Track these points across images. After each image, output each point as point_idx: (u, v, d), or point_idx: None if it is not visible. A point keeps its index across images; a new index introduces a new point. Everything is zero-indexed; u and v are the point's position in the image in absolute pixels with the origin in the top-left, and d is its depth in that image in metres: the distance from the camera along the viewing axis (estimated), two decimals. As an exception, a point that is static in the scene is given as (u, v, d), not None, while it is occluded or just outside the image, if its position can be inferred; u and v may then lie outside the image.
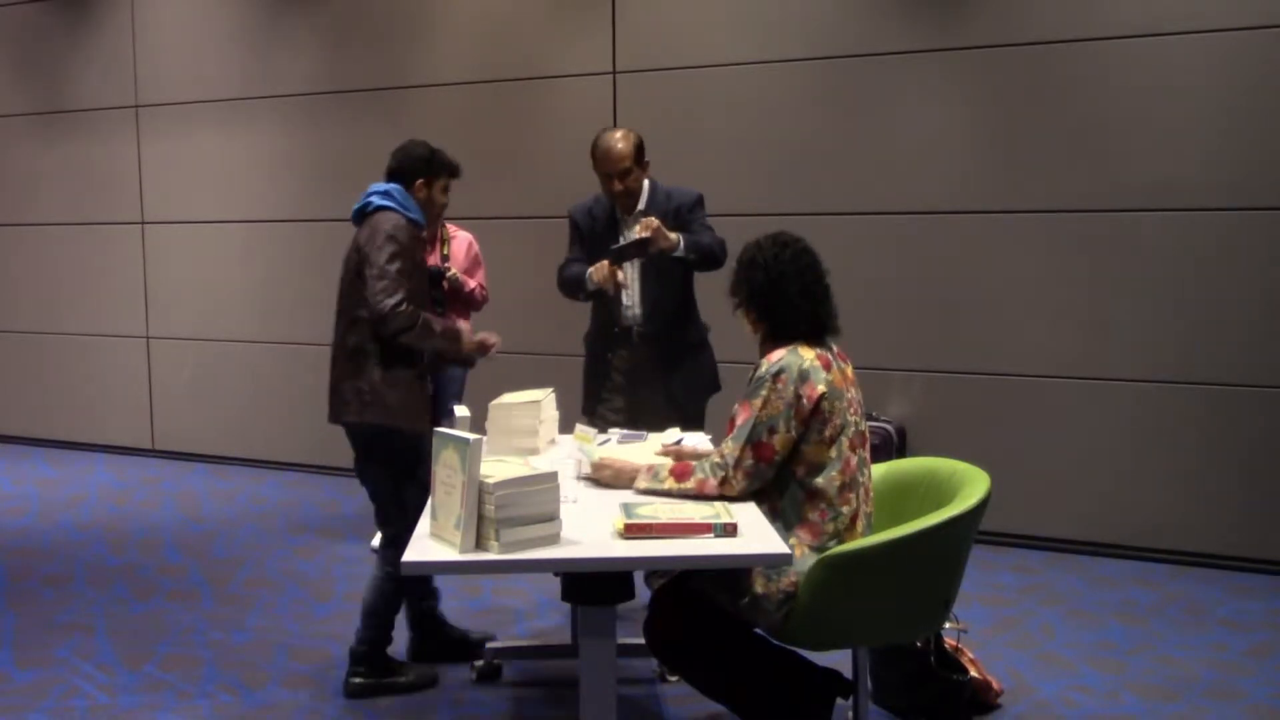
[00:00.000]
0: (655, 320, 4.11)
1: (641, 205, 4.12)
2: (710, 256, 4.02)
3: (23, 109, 7.89)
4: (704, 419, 4.15)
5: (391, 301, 3.58)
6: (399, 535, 3.68)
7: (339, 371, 3.75)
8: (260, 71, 7.04)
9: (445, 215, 5.32)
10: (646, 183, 4.14)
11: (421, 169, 3.84)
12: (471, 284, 4.96)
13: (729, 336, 4.22)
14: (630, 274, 4.07)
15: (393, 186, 3.80)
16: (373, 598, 3.76)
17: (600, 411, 4.16)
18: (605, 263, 3.94)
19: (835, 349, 3.06)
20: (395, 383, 3.67)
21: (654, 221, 3.86)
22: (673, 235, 3.91)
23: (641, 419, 3.96)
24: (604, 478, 3.18)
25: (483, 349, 3.93)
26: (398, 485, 3.71)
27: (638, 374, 4.14)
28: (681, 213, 4.10)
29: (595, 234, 4.15)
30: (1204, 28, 4.86)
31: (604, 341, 4.20)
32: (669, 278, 4.09)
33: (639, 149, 4.07)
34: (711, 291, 4.18)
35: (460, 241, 5.17)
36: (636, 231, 3.90)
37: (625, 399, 4.15)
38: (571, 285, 4.16)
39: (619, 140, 4.04)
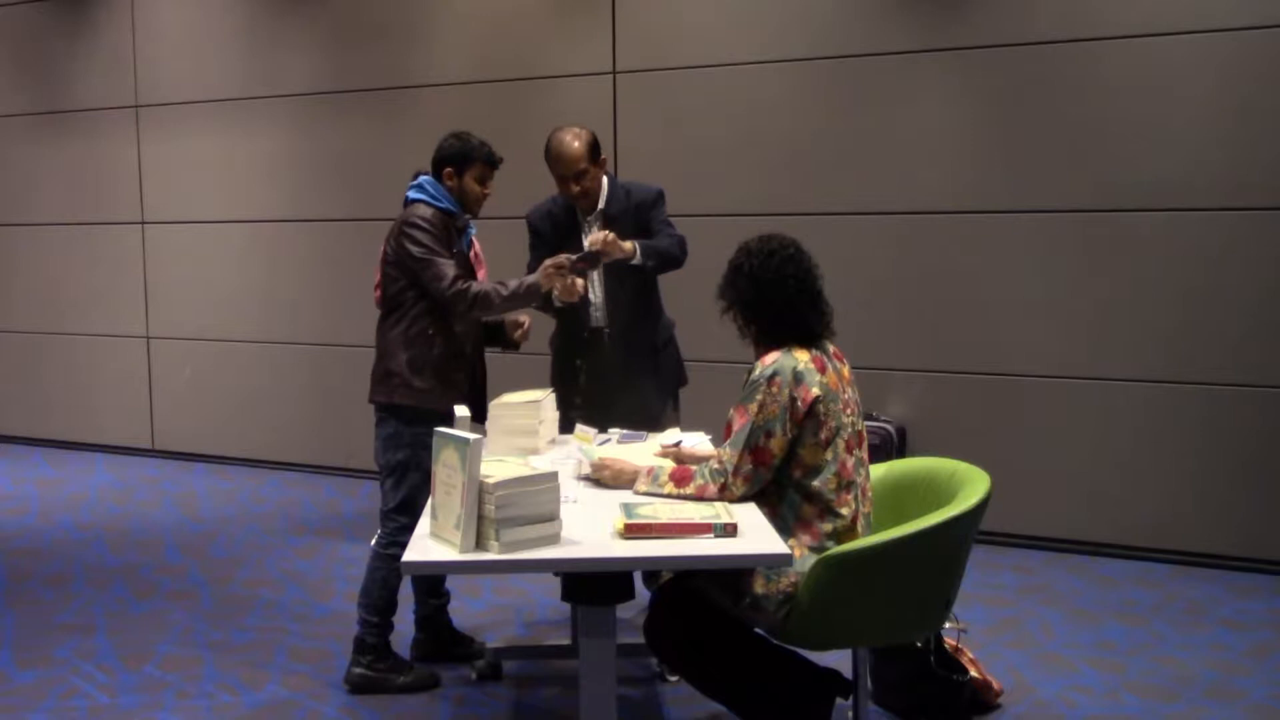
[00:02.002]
0: (621, 321, 4.05)
1: (602, 204, 4.04)
2: (669, 260, 3.98)
3: (23, 109, 7.89)
4: (677, 416, 4.11)
5: (445, 284, 3.68)
6: (395, 511, 3.74)
7: (375, 357, 3.86)
8: (260, 71, 7.04)
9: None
10: (605, 179, 4.06)
11: (450, 158, 3.84)
12: None
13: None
14: (593, 276, 4.01)
15: (425, 179, 3.86)
16: (365, 578, 3.80)
17: (569, 415, 4.04)
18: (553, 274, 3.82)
19: (832, 348, 3.06)
20: (420, 367, 3.73)
21: (607, 235, 3.77)
22: (628, 245, 3.83)
23: (610, 421, 3.87)
24: (604, 478, 3.18)
25: (558, 274, 3.72)
26: (403, 467, 3.74)
27: (606, 376, 4.06)
28: (642, 211, 4.03)
29: (557, 236, 4.07)
30: (1204, 28, 4.86)
31: (572, 345, 4.14)
32: (631, 278, 4.02)
33: (593, 147, 3.97)
34: (677, 288, 4.20)
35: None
36: (587, 245, 3.83)
37: (593, 402, 4.06)
38: (524, 295, 4.08)
39: (572, 140, 3.94)
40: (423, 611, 4.05)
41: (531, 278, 3.77)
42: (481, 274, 5.14)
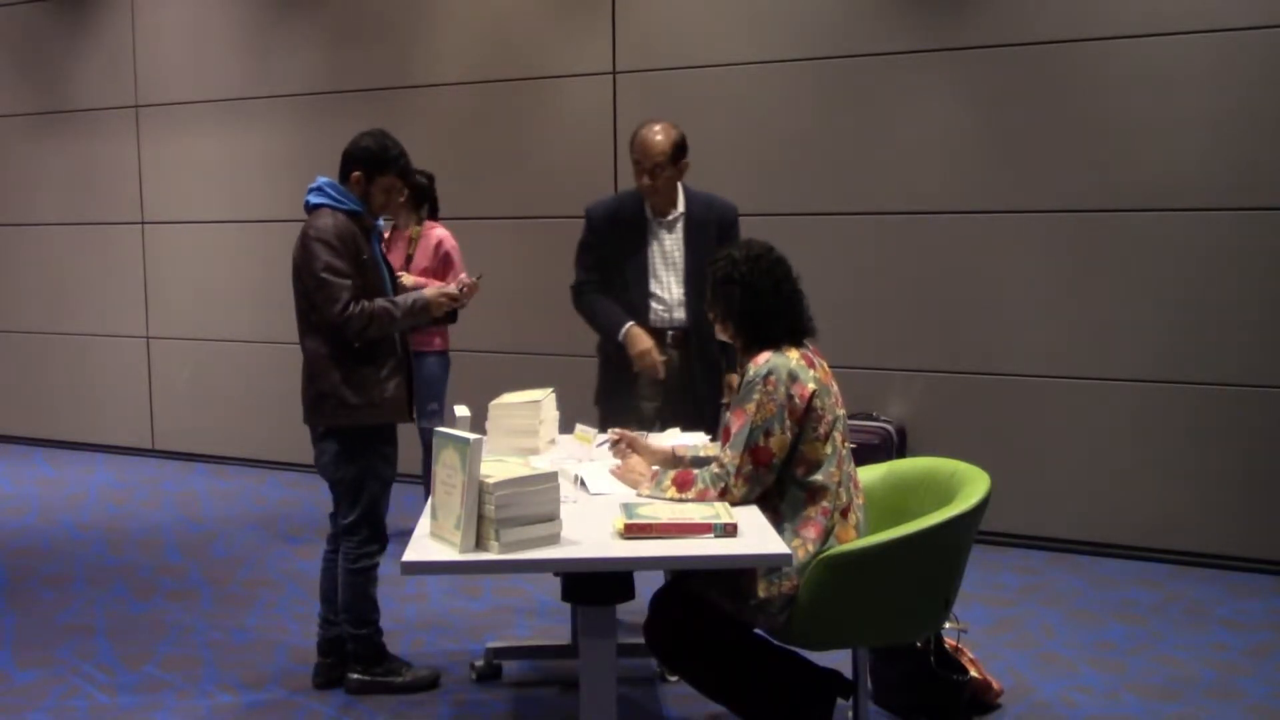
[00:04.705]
0: (698, 331, 3.92)
1: (680, 209, 3.99)
2: None
3: (23, 109, 7.89)
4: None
5: (337, 309, 3.50)
6: (356, 524, 3.68)
7: (303, 375, 3.72)
8: (260, 71, 7.04)
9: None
10: (681, 186, 3.99)
11: (363, 160, 3.61)
12: (428, 286, 4.88)
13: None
14: (668, 279, 3.96)
15: (325, 181, 3.66)
16: (342, 594, 3.74)
17: (628, 420, 3.93)
18: (655, 354, 3.86)
19: (811, 347, 3.08)
20: (356, 383, 3.60)
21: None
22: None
23: (672, 422, 3.80)
24: (615, 472, 3.22)
25: (456, 300, 3.73)
26: (359, 478, 3.67)
27: (671, 380, 3.97)
28: (724, 229, 3.97)
29: (618, 235, 3.99)
30: (1204, 28, 4.86)
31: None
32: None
33: (678, 147, 3.90)
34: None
35: (428, 240, 5.07)
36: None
37: (656, 406, 3.98)
38: (600, 330, 4.04)
39: (657, 133, 3.89)
40: (328, 634, 3.83)
41: (425, 296, 3.65)
42: (451, 275, 5.03)
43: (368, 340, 3.60)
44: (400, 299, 3.67)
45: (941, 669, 3.42)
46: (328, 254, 3.54)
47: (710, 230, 3.94)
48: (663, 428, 3.79)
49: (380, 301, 3.60)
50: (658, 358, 3.90)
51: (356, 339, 3.58)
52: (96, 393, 7.82)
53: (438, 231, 5.15)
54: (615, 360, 4.04)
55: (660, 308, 4.00)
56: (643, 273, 3.99)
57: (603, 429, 3.83)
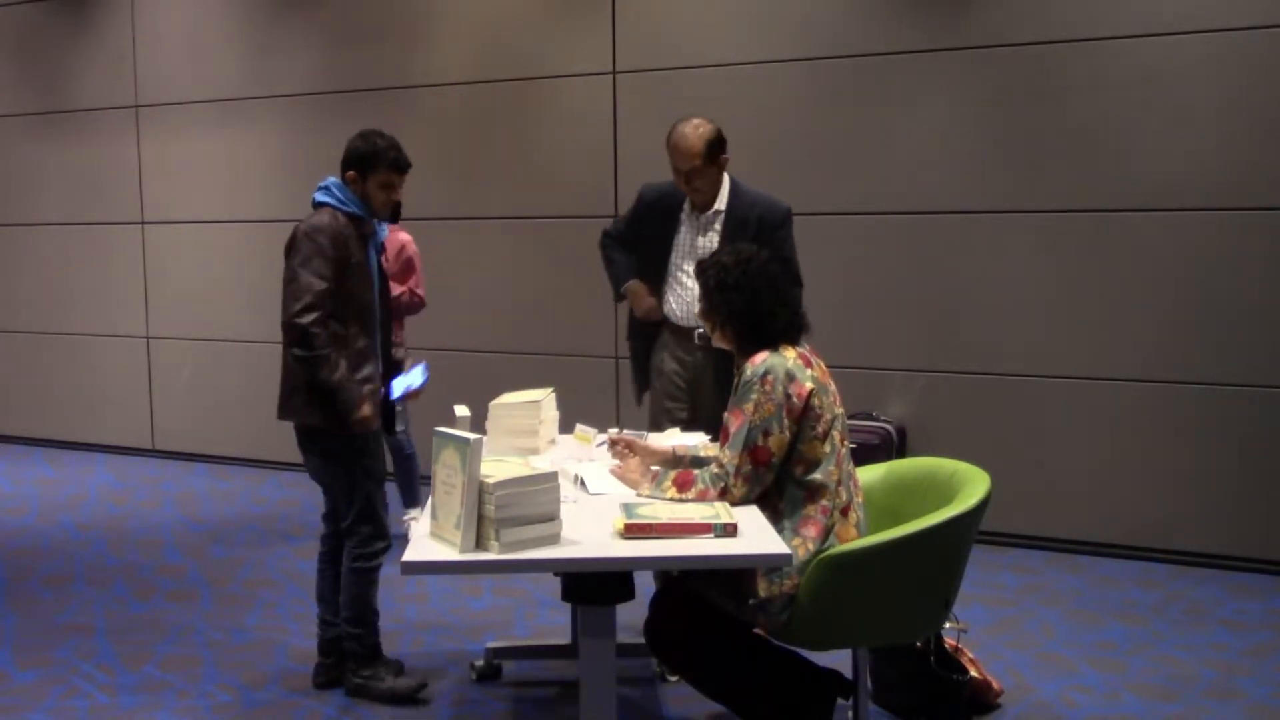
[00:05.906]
0: None
1: (720, 205, 3.91)
2: None
3: (23, 109, 7.89)
4: None
5: (294, 306, 3.46)
6: (356, 524, 3.67)
7: (282, 370, 3.69)
8: (260, 71, 7.04)
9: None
10: (726, 180, 3.92)
11: (353, 161, 3.64)
12: (398, 290, 4.89)
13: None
14: (686, 275, 3.89)
15: (333, 181, 3.68)
16: (342, 594, 3.74)
17: (660, 420, 3.95)
18: (652, 301, 3.91)
19: (808, 346, 3.08)
20: (323, 388, 3.56)
21: None
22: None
23: (702, 427, 3.74)
24: (614, 472, 3.22)
25: (363, 426, 3.60)
26: (350, 478, 3.66)
27: (700, 382, 3.94)
28: (766, 229, 3.86)
29: (654, 225, 3.95)
30: (1204, 28, 4.86)
31: (655, 348, 4.03)
32: None
33: (712, 145, 3.80)
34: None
35: (392, 244, 5.03)
36: None
37: (688, 406, 3.96)
38: (610, 276, 4.11)
39: (690, 132, 3.78)
40: (328, 634, 3.83)
41: (363, 413, 3.53)
42: (413, 280, 5.05)
43: (298, 360, 3.52)
44: (351, 375, 3.54)
45: (941, 669, 3.42)
46: (312, 250, 3.53)
47: (749, 229, 3.83)
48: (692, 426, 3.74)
49: (331, 354, 3.49)
50: (653, 302, 3.96)
51: (294, 347, 3.51)
52: (96, 393, 7.82)
53: (402, 235, 5.14)
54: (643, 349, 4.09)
55: (680, 306, 3.94)
56: (661, 265, 3.95)
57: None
